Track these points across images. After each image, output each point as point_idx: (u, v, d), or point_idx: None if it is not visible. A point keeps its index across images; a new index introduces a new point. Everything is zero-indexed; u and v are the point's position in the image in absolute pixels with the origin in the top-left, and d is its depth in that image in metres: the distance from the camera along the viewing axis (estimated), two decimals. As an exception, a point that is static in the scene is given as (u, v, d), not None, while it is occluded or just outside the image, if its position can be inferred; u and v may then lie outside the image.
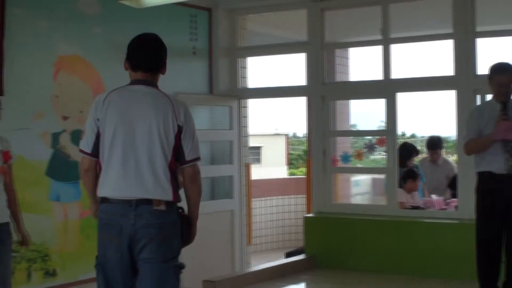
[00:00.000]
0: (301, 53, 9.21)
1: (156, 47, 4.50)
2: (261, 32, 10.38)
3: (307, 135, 9.59)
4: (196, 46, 9.06)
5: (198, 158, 4.44)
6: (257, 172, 15.72)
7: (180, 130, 4.32)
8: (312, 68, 8.83)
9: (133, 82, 4.39)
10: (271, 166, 30.79)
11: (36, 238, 6.85)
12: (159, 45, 4.52)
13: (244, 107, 9.52)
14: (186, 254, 8.39)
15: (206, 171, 9.03)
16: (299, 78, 10.39)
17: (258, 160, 32.64)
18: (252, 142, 11.39)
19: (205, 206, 8.67)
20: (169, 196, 4.33)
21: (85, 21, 7.59)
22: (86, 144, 4.29)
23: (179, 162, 4.38)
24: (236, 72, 9.49)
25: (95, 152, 4.27)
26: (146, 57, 4.42)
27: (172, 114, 4.31)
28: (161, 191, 4.27)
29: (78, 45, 7.46)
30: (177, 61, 8.74)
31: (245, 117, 9.57)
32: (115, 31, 7.84)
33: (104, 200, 4.27)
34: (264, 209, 12.90)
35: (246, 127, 9.62)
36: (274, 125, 35.20)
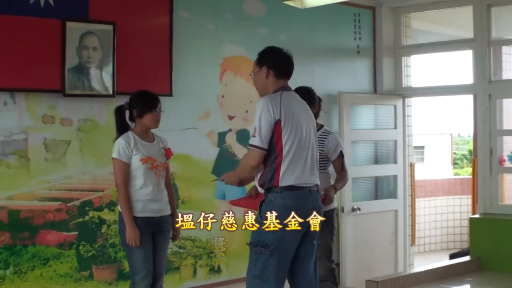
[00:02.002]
0: (467, 51, 8.95)
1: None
2: (425, 30, 10.18)
3: (473, 134, 9.28)
4: (360, 45, 8.97)
5: None
6: (421, 172, 15.43)
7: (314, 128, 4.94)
8: (478, 66, 8.54)
9: (284, 88, 4.81)
10: (435, 166, 30.21)
11: (201, 235, 6.98)
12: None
13: (408, 106, 9.34)
14: (350, 253, 8.37)
15: (370, 170, 8.96)
16: (465, 76, 10.07)
17: (422, 160, 32.08)
18: (416, 142, 11.16)
19: (369, 206, 8.64)
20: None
21: (251, 22, 7.66)
22: (262, 141, 4.60)
23: None
24: (400, 71, 9.33)
25: (268, 148, 4.62)
26: (292, 66, 4.88)
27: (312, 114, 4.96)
28: (318, 179, 4.83)
29: (243, 46, 7.52)
30: (341, 60, 8.70)
31: (409, 116, 9.38)
32: (279, 32, 7.88)
33: (290, 187, 4.62)
34: (428, 209, 12.66)
35: (411, 126, 9.43)
36: (438, 124, 34.45)
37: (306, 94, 5.66)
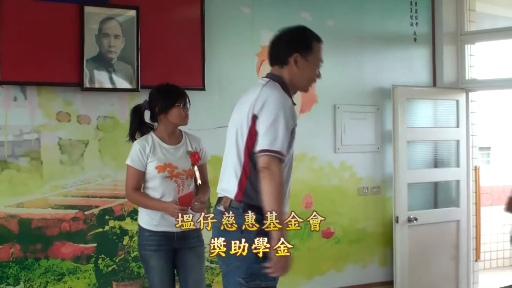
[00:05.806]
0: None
1: (274, 40, 4.64)
2: (492, 14, 10.09)
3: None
4: (417, 32, 8.87)
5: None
6: (487, 177, 15.29)
7: (254, 119, 4.35)
8: (555, 55, 8.45)
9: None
10: (503, 170, 30.00)
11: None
12: (277, 38, 4.65)
13: (472, 101, 9.24)
14: (404, 270, 8.29)
15: (429, 175, 8.87)
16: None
17: (487, 163, 31.86)
18: (481, 142, 11.05)
19: (427, 216, 8.55)
20: None
21: (292, 5, 7.62)
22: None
23: None
24: (463, 61, 9.22)
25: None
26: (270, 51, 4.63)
27: (251, 105, 4.44)
28: None
29: (284, 33, 7.48)
30: (396, 49, 8.62)
31: (474, 112, 9.28)
32: (324, 17, 7.83)
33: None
34: (495, 219, 12.52)
35: (475, 124, 9.33)
36: (507, 122, 34.18)
37: None
